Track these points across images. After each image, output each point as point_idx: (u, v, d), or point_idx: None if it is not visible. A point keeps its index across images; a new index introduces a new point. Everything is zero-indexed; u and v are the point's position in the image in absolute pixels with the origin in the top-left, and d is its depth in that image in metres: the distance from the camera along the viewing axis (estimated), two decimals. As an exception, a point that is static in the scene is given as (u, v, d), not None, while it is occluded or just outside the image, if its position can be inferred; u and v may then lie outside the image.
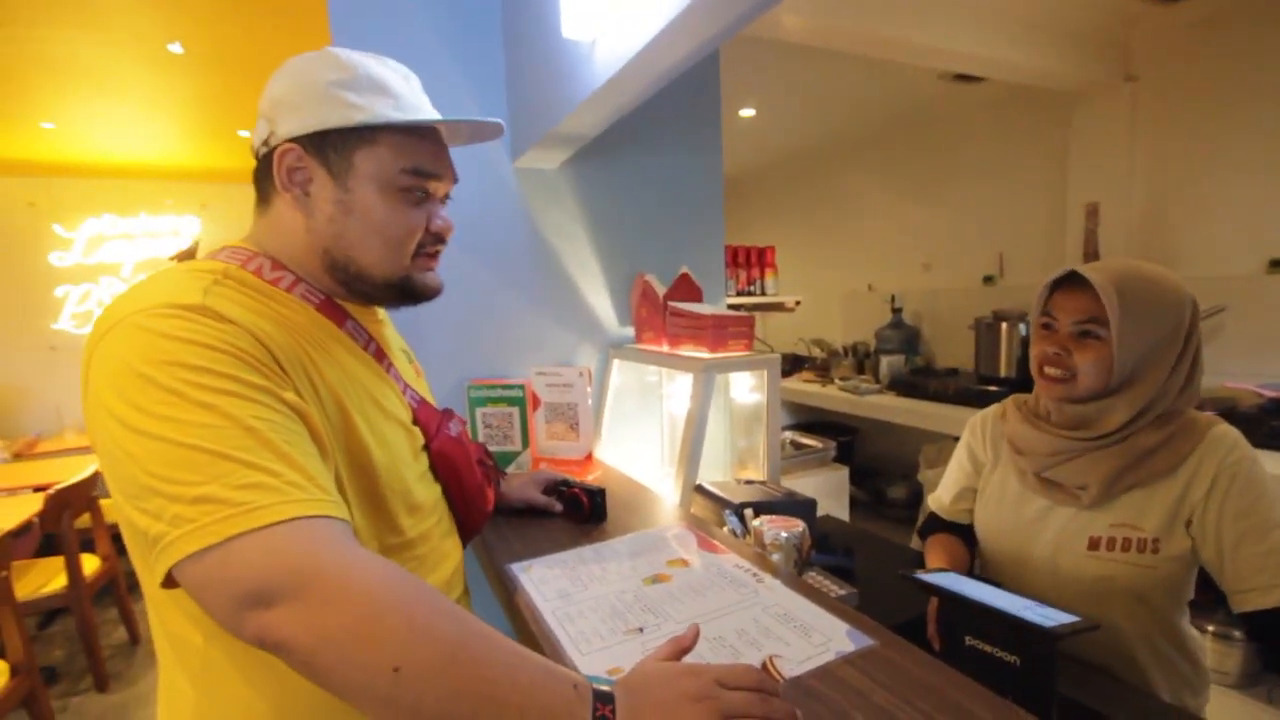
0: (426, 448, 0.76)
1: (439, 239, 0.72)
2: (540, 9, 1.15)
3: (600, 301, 1.62)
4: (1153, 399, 0.89)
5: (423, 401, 0.78)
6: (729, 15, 0.81)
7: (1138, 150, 2.48)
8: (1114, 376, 0.89)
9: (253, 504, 0.47)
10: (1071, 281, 0.92)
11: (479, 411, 1.36)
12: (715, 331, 1.25)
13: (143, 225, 4.27)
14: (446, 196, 0.74)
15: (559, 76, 1.12)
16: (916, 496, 3.08)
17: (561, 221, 1.56)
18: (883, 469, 3.46)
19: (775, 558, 0.87)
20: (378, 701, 0.44)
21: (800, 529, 0.88)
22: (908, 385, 2.95)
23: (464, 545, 0.82)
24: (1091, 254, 2.65)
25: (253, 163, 0.69)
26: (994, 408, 1.12)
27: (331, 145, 0.64)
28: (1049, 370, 0.93)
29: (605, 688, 0.49)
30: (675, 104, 1.65)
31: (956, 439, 2.89)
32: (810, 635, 0.66)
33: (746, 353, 1.29)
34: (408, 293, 0.70)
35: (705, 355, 1.26)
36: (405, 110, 0.66)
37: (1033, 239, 2.95)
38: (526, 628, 0.74)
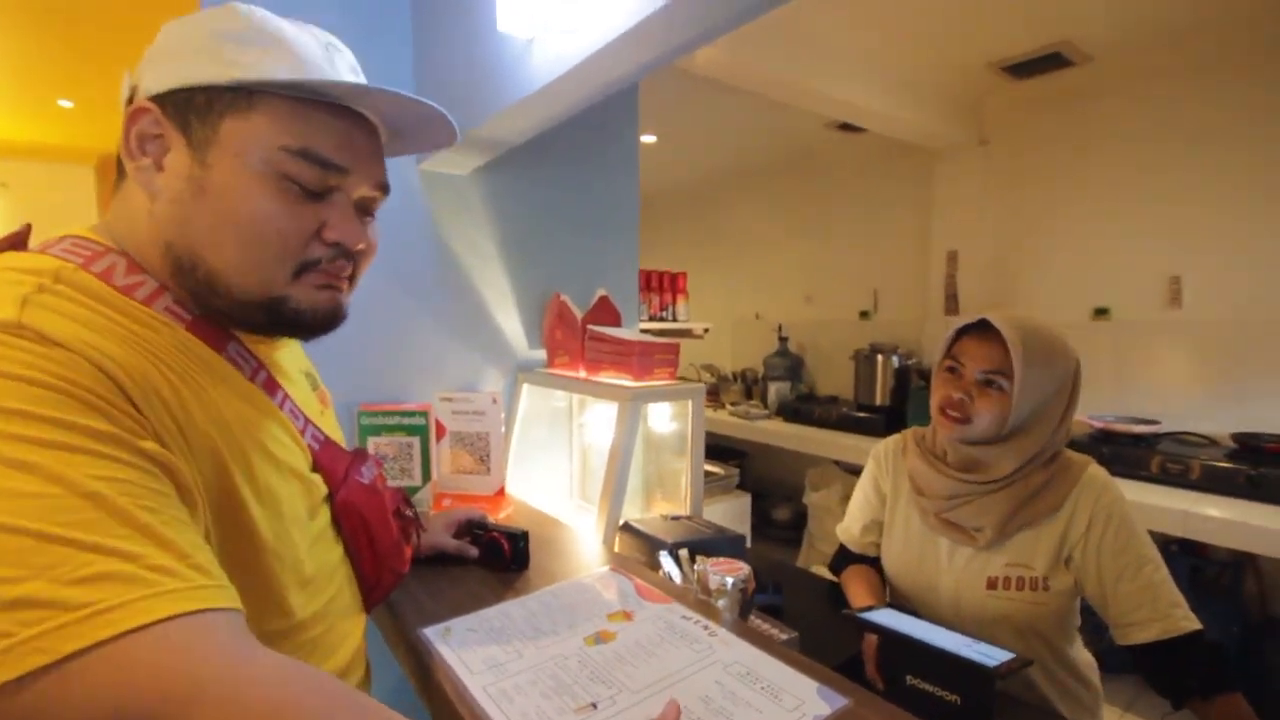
0: (330, 499, 0.62)
1: (342, 254, 0.55)
2: (466, -1, 1.05)
3: (508, 321, 1.51)
4: (1040, 449, 0.96)
5: (327, 441, 0.64)
6: (688, 33, 0.77)
7: (988, 206, 2.80)
8: (1008, 425, 0.94)
9: (100, 604, 0.33)
10: (980, 329, 0.96)
11: (371, 441, 1.19)
12: (641, 359, 1.19)
13: (-87, 203, 3.48)
14: (367, 206, 0.58)
15: (486, 74, 1.02)
16: (800, 518, 3.21)
17: (469, 232, 1.44)
18: (768, 491, 3.58)
19: (720, 604, 0.82)
20: None
21: (745, 572, 0.83)
22: (794, 411, 3.09)
23: (367, 612, 0.68)
24: (952, 296, 2.94)
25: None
26: (894, 439, 1.16)
27: (196, 109, 0.49)
28: (950, 412, 0.97)
29: None
30: (594, 120, 1.59)
31: (838, 463, 3.04)
32: (780, 698, 0.61)
33: (671, 382, 1.24)
34: (281, 319, 0.53)
35: (630, 384, 1.19)
36: (303, 75, 0.51)
37: (902, 279, 3.23)
38: (451, 710, 0.62)
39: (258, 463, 0.52)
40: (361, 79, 0.57)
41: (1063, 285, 2.55)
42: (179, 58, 0.50)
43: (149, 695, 0.33)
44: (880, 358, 2.88)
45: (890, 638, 0.84)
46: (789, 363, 3.40)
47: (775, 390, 3.26)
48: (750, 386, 3.53)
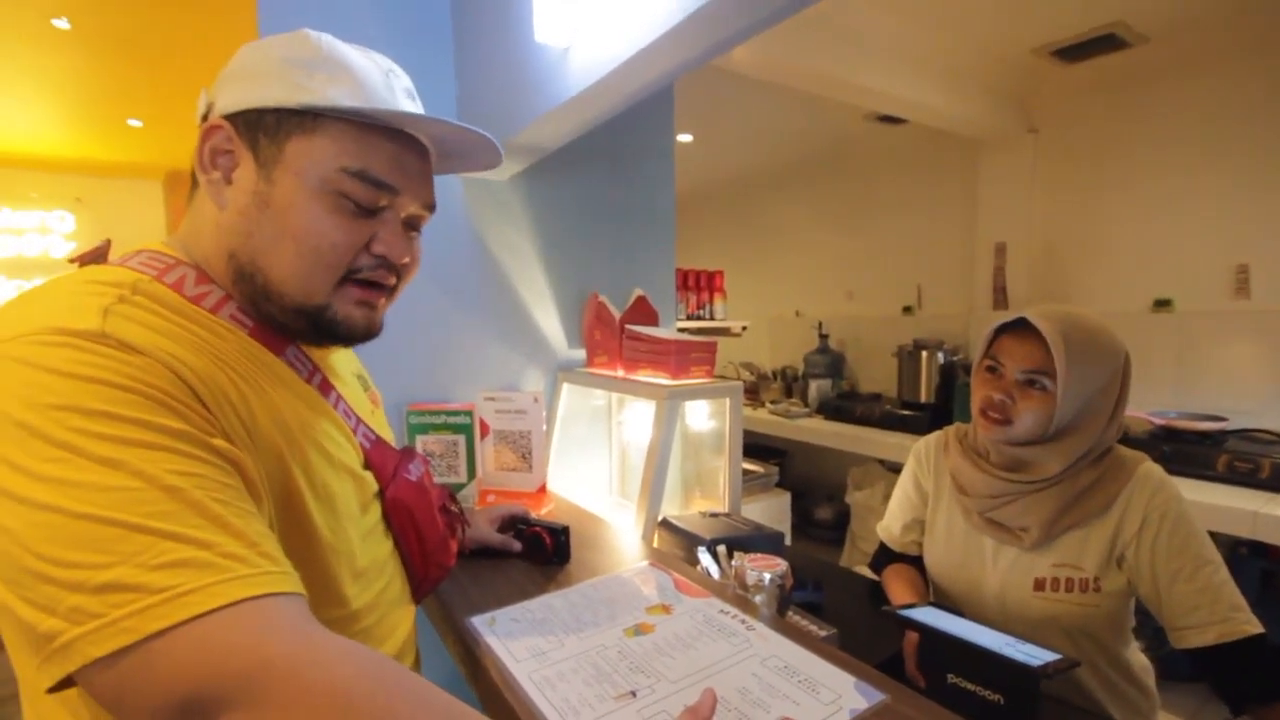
0: (380, 495, 0.65)
1: (385, 265, 0.58)
2: (505, 8, 1.09)
3: (549, 322, 1.54)
4: (1089, 448, 0.93)
5: (378, 440, 0.67)
6: (722, 33, 0.78)
7: (1038, 196, 2.71)
8: (1052, 425, 0.91)
9: (179, 587, 0.37)
10: (1020, 327, 0.94)
11: (419, 440, 1.24)
12: (678, 358, 1.20)
13: (4, 220, 3.76)
14: (414, 223, 0.62)
15: (525, 83, 1.05)
16: (843, 518, 3.16)
17: (510, 237, 1.48)
18: (810, 490, 3.55)
19: (757, 599, 0.83)
20: None
21: (783, 568, 0.84)
22: (835, 409, 3.04)
23: (417, 604, 0.72)
24: (1000, 289, 2.85)
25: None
26: (935, 437, 1.14)
27: (266, 128, 0.54)
28: (991, 414, 0.95)
29: None
30: (630, 123, 1.61)
31: (881, 462, 2.99)
32: (818, 691, 0.62)
33: (709, 380, 1.25)
34: (323, 327, 0.57)
35: (666, 382, 1.21)
36: (364, 101, 0.54)
37: (947, 273, 3.15)
38: (497, 694, 0.65)
39: (315, 461, 0.55)
40: (417, 102, 0.61)
41: (1120, 276, 2.44)
42: (253, 80, 0.54)
43: (225, 671, 0.36)
44: (924, 354, 2.82)
45: (931, 635, 0.83)
46: (830, 360, 3.36)
47: (816, 388, 3.22)
48: (790, 384, 3.50)
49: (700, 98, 2.66)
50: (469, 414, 1.24)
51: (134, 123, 3.20)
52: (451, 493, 0.79)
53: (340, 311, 0.57)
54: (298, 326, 0.57)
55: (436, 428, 1.24)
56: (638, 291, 1.45)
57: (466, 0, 1.26)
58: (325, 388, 0.62)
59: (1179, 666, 1.70)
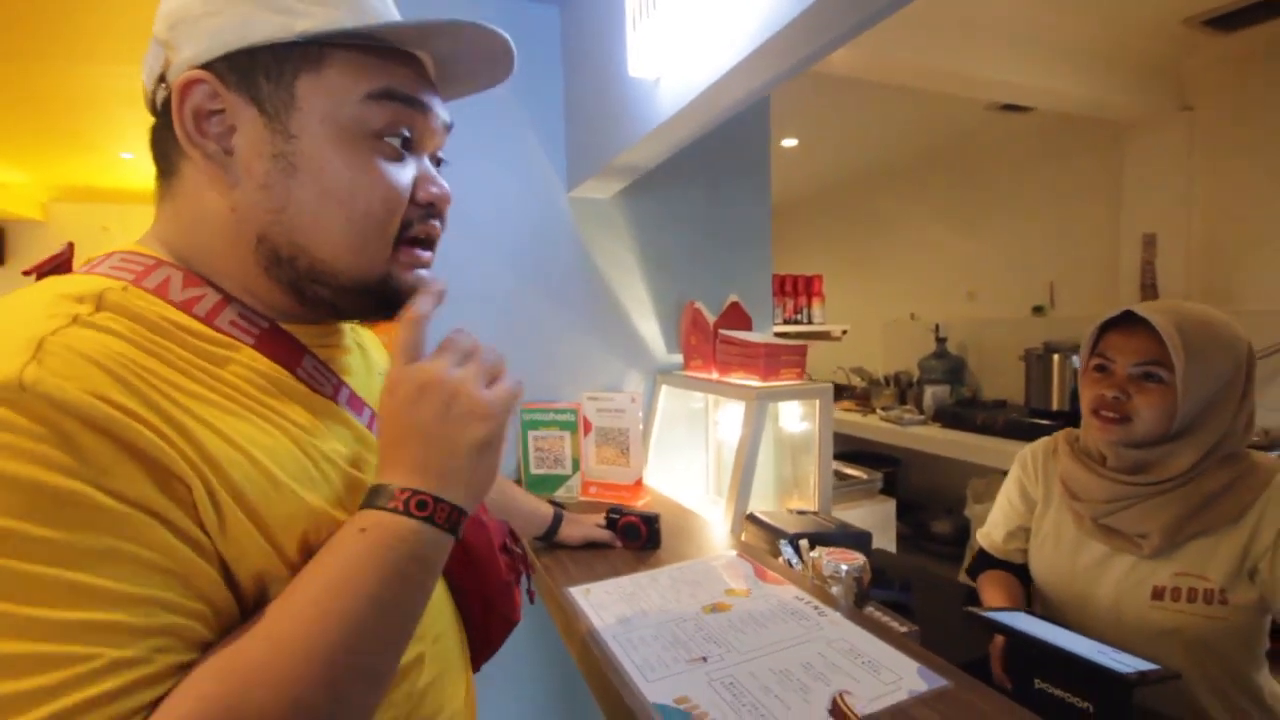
0: None
1: (432, 212, 0.48)
2: (604, 49, 1.20)
3: (648, 328, 1.64)
4: (1218, 442, 0.87)
5: None
6: (793, 58, 0.83)
7: (1196, 181, 2.43)
8: (1176, 421, 0.86)
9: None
10: (1127, 322, 0.91)
11: (531, 435, 1.38)
12: (768, 360, 1.25)
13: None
14: (437, 154, 0.51)
15: (621, 112, 1.16)
16: (963, 532, 2.99)
17: (613, 249, 1.60)
18: (926, 502, 3.38)
19: (834, 591, 0.86)
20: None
21: (860, 562, 0.87)
22: (954, 416, 2.88)
23: (475, 670, 0.59)
24: (1149, 285, 2.58)
25: None
26: (1044, 442, 1.10)
27: (263, 71, 0.42)
28: (1105, 413, 0.91)
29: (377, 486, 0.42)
30: (725, 135, 1.68)
31: (1006, 473, 2.81)
32: (879, 672, 0.65)
33: (798, 382, 1.29)
34: (388, 301, 0.47)
35: (757, 384, 1.26)
36: (362, 18, 0.44)
37: (1085, 270, 2.89)
38: (588, 651, 0.75)
39: (345, 496, 0.45)
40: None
41: (1298, 268, 2.14)
42: (225, 13, 0.42)
43: None
44: (1056, 358, 2.61)
45: (1017, 638, 0.82)
46: (948, 365, 3.19)
47: (932, 394, 3.07)
48: (904, 390, 3.36)
49: (804, 101, 2.66)
50: (574, 412, 1.37)
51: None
52: (512, 530, 0.63)
53: (403, 280, 0.47)
54: (358, 308, 0.47)
55: (545, 424, 1.37)
56: (731, 297, 1.51)
57: (573, 43, 1.40)
58: (356, 404, 0.50)
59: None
